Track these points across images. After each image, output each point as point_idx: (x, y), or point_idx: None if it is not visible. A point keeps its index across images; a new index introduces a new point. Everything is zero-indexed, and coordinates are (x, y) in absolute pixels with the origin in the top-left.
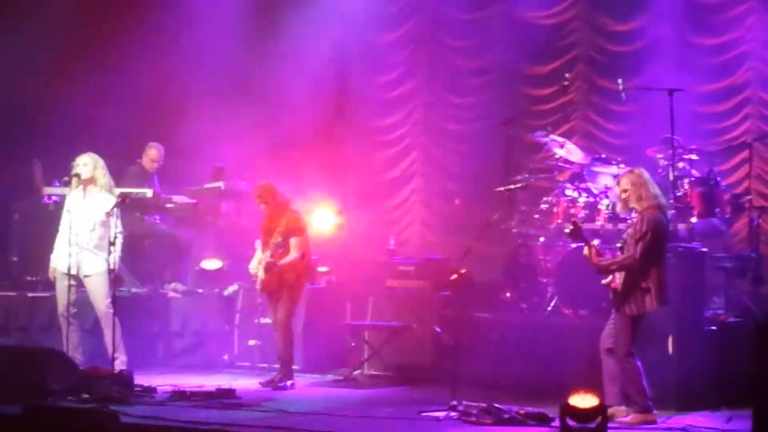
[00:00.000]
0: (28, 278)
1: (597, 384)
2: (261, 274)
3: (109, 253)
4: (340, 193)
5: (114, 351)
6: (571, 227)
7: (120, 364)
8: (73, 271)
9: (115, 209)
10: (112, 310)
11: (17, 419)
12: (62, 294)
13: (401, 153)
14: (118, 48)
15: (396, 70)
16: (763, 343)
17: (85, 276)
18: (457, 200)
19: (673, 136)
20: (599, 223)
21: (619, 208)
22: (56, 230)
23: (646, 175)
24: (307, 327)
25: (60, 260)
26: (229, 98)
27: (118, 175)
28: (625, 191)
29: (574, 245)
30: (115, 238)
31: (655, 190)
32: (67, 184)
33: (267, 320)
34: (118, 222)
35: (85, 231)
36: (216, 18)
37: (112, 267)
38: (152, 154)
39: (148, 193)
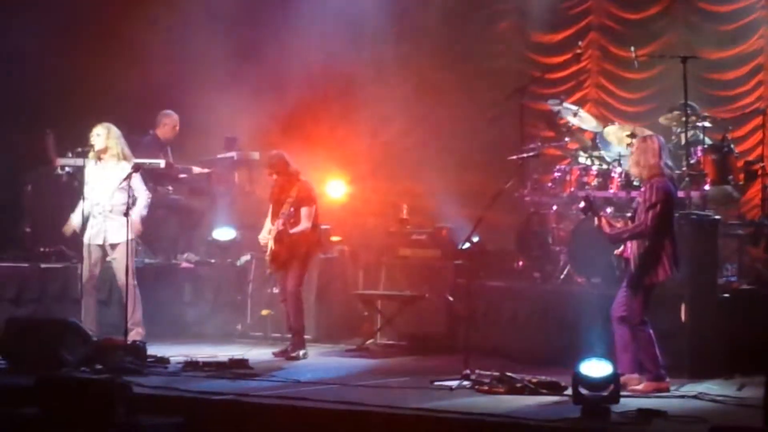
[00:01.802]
0: (41, 249)
1: (609, 352)
2: (271, 245)
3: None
4: (352, 162)
5: (128, 321)
6: (584, 203)
7: (136, 335)
8: (99, 241)
9: (135, 176)
10: (135, 281)
11: (31, 390)
12: (93, 265)
13: (413, 121)
14: (130, 19)
15: (409, 38)
16: None
17: (112, 245)
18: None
19: (687, 103)
20: (612, 191)
21: (632, 171)
22: (69, 201)
23: (656, 142)
24: (319, 296)
25: (88, 233)
26: (242, 68)
27: (129, 146)
28: (632, 156)
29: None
30: (133, 203)
31: (659, 158)
32: (80, 155)
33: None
34: (142, 188)
35: (104, 199)
36: None
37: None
38: (171, 122)
39: (161, 163)
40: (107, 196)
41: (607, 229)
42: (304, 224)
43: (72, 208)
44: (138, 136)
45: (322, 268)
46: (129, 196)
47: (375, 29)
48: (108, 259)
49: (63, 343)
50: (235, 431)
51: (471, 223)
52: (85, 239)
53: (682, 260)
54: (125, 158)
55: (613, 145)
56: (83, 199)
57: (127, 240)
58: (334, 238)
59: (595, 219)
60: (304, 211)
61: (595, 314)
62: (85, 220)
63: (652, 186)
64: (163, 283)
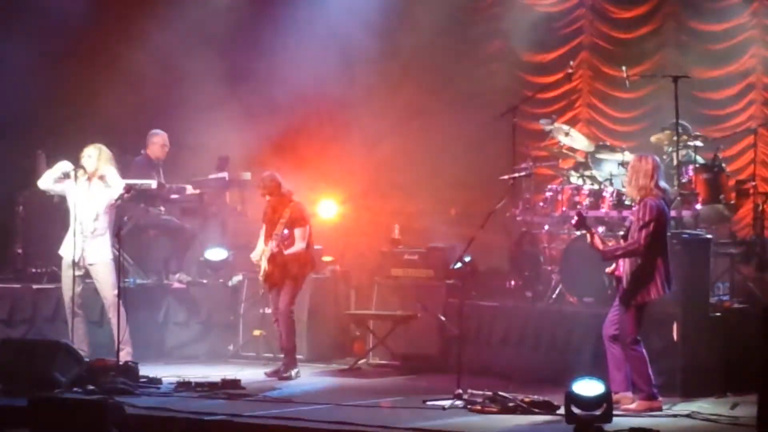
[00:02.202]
0: (33, 270)
1: (602, 371)
2: (264, 265)
3: (114, 243)
4: (343, 182)
5: (119, 342)
6: (576, 218)
7: (126, 355)
8: (78, 260)
9: (111, 171)
10: (119, 300)
11: (24, 411)
12: (68, 285)
13: (405, 141)
14: (121, 39)
15: (398, 58)
16: None
17: (90, 264)
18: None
19: (678, 122)
20: (604, 210)
21: (626, 191)
22: (61, 222)
23: (650, 163)
24: (311, 316)
25: (66, 250)
26: (234, 89)
27: (122, 167)
28: (627, 176)
29: (578, 233)
30: (120, 228)
31: (652, 179)
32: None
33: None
34: (118, 180)
35: (88, 220)
36: (219, 7)
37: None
38: (160, 140)
39: (153, 184)
40: (91, 218)
41: (600, 245)
42: (299, 245)
43: (64, 228)
44: (130, 156)
45: (314, 288)
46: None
47: (366, 50)
48: (89, 279)
49: (55, 364)
50: None
51: (463, 243)
52: (66, 258)
53: (674, 279)
54: (113, 181)
55: (604, 164)
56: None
57: (119, 260)
58: (326, 258)
59: (588, 236)
60: (297, 232)
61: (588, 333)
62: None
63: (645, 204)
64: (154, 304)
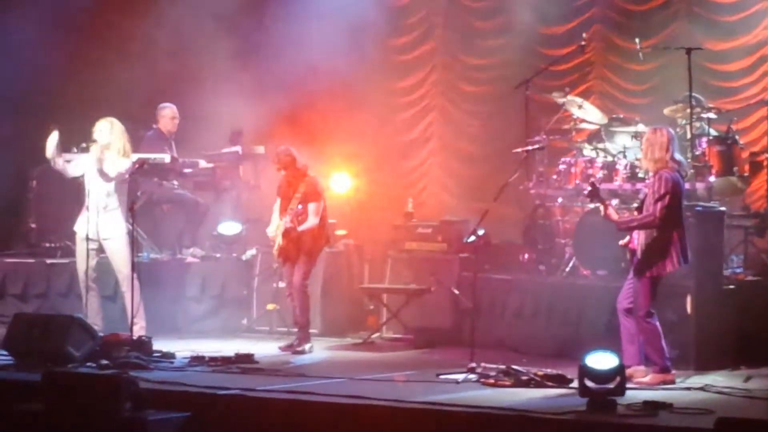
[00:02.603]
0: (46, 245)
1: (615, 344)
2: (279, 240)
3: (128, 217)
4: (357, 156)
5: (133, 316)
6: (590, 188)
7: (139, 329)
8: (92, 235)
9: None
10: (133, 275)
11: (37, 386)
12: (82, 259)
13: (418, 115)
14: (134, 14)
15: (413, 31)
16: None
17: (104, 239)
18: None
19: (691, 95)
20: (617, 183)
21: (641, 163)
22: (74, 197)
23: (665, 135)
24: (325, 290)
25: (79, 225)
26: (247, 62)
27: (135, 141)
28: (642, 149)
29: (592, 206)
30: (134, 203)
31: (667, 151)
32: (85, 150)
33: (284, 285)
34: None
35: (101, 194)
36: None
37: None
38: (169, 113)
39: (166, 158)
40: (104, 192)
41: (615, 216)
42: (312, 220)
43: (78, 202)
44: (143, 130)
45: (328, 262)
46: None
47: (377, 24)
48: (103, 254)
49: (69, 339)
50: (241, 426)
51: (476, 217)
52: (80, 232)
53: (688, 252)
54: (126, 154)
55: (617, 137)
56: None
57: (133, 234)
58: (340, 232)
59: (601, 207)
60: (311, 207)
61: (601, 306)
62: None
63: (661, 177)
64: (168, 278)
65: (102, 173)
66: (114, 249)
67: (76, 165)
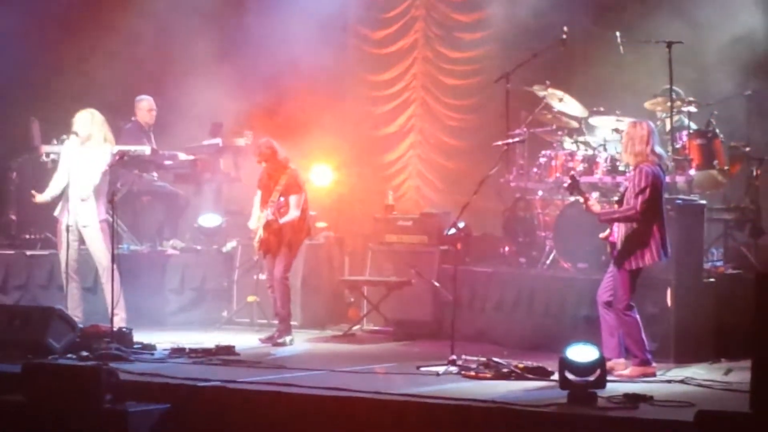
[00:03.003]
0: (27, 236)
1: (596, 337)
2: (260, 232)
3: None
4: (338, 149)
5: (113, 307)
6: (570, 181)
7: (119, 321)
8: (71, 223)
9: (113, 166)
10: (113, 266)
11: (17, 377)
12: (64, 249)
13: (399, 108)
14: (114, 5)
15: (394, 24)
16: (762, 295)
17: (83, 227)
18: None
19: (672, 88)
20: (598, 176)
21: (622, 157)
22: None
23: (645, 128)
24: (305, 283)
25: (61, 213)
26: (226, 54)
27: (114, 133)
28: (623, 142)
29: (572, 199)
30: (113, 194)
31: (647, 145)
32: (65, 142)
33: (265, 277)
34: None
35: (81, 184)
36: None
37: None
38: (146, 105)
39: (147, 150)
40: (83, 182)
41: (597, 208)
42: (293, 213)
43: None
44: (122, 123)
45: (308, 255)
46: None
47: (358, 16)
48: (84, 246)
49: (49, 330)
50: (221, 417)
51: (457, 209)
52: (63, 222)
53: (668, 245)
54: (108, 144)
55: (598, 130)
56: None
57: (112, 225)
58: (320, 225)
59: (582, 199)
60: (292, 199)
61: (581, 299)
62: (58, 202)
63: (641, 171)
64: (148, 270)
65: (83, 164)
66: (91, 237)
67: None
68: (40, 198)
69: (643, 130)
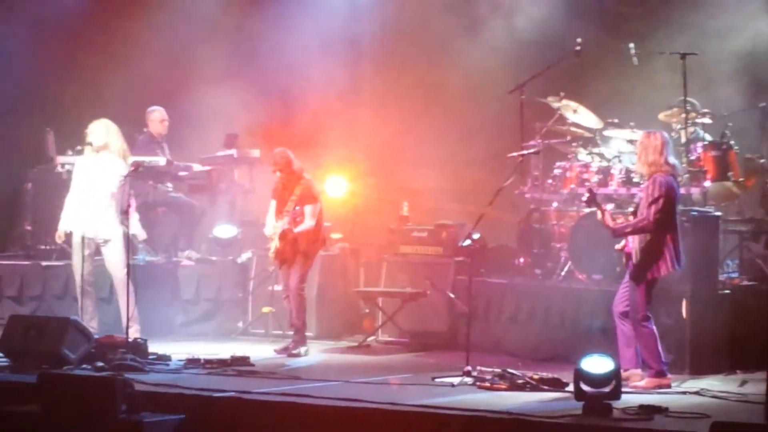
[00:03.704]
0: (42, 247)
1: (611, 348)
2: (276, 242)
3: (122, 220)
4: (353, 160)
5: (128, 319)
6: (588, 194)
7: (134, 332)
8: (91, 236)
9: (128, 177)
10: (128, 277)
11: (33, 387)
12: (78, 261)
13: (414, 118)
14: (129, 17)
15: (405, 36)
16: None
17: (104, 241)
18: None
19: (686, 100)
20: (612, 187)
21: (636, 167)
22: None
23: (659, 139)
24: (320, 294)
25: (77, 227)
26: (241, 65)
27: (129, 144)
28: (637, 152)
29: (587, 210)
30: (128, 206)
31: (661, 155)
32: (80, 153)
33: (280, 287)
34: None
35: (101, 197)
36: None
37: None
38: (158, 116)
39: (162, 161)
40: (104, 194)
41: (610, 222)
42: (308, 222)
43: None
44: (136, 134)
45: (324, 265)
46: (129, 194)
47: (372, 27)
48: (99, 256)
49: (64, 341)
50: (236, 428)
51: (472, 221)
52: (78, 233)
53: (684, 256)
54: (123, 156)
55: (613, 141)
56: (70, 196)
57: (127, 235)
58: (335, 236)
59: (598, 212)
60: (308, 209)
61: (597, 310)
62: (74, 214)
63: (655, 181)
64: (164, 281)
65: (100, 175)
66: (112, 251)
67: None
68: (60, 235)
69: (657, 140)
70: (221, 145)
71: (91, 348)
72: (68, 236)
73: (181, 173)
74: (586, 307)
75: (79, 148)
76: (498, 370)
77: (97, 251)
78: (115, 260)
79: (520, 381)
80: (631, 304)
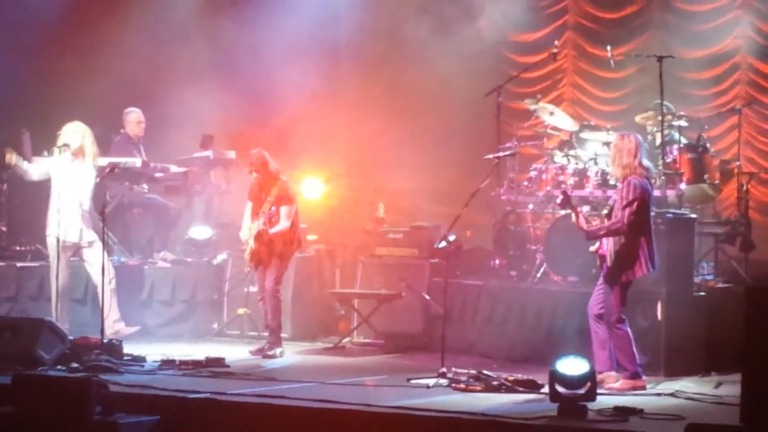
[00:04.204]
0: (17, 248)
1: (586, 350)
2: (251, 243)
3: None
4: (328, 161)
5: (104, 319)
6: (562, 196)
7: (124, 328)
8: (72, 239)
9: (104, 178)
10: (109, 277)
11: (7, 389)
12: (64, 264)
13: (390, 120)
14: (105, 18)
15: (381, 37)
16: (752, 309)
17: (88, 242)
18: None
19: (662, 102)
20: (588, 189)
21: (610, 170)
22: (45, 200)
23: (632, 141)
24: (296, 295)
25: (52, 229)
26: (218, 66)
27: (104, 146)
28: (611, 155)
29: (562, 212)
30: (104, 206)
31: (635, 158)
32: (54, 154)
33: (256, 289)
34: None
35: (81, 199)
36: None
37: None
38: (135, 117)
39: (138, 162)
40: (83, 196)
41: (584, 225)
42: (284, 223)
43: (48, 206)
44: (113, 135)
45: (299, 267)
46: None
47: (349, 29)
48: (78, 257)
49: (39, 342)
50: (211, 430)
51: (448, 222)
52: (58, 236)
53: (659, 259)
54: (95, 159)
55: (589, 144)
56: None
57: (103, 238)
58: (311, 237)
59: (572, 214)
60: (283, 210)
61: (572, 312)
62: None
63: (629, 183)
64: (138, 282)
65: (78, 177)
66: (95, 252)
67: (39, 168)
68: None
69: (630, 143)
70: (197, 146)
71: (66, 349)
72: (45, 238)
73: (157, 174)
74: (561, 309)
75: (53, 149)
76: (473, 372)
77: (75, 252)
78: (98, 261)
79: (495, 382)
80: (606, 306)
